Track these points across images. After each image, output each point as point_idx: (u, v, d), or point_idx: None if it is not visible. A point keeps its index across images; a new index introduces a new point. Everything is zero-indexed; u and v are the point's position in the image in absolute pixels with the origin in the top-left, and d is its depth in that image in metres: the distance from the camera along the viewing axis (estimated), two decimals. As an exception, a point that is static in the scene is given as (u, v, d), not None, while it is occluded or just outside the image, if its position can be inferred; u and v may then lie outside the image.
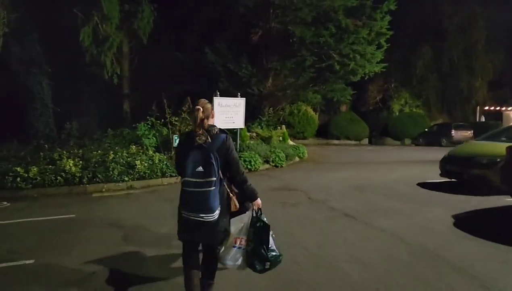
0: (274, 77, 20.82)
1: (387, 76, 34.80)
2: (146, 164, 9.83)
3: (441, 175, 9.09)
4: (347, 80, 20.86)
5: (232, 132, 12.85)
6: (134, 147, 11.10)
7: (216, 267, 3.37)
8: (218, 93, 12.40)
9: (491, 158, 7.83)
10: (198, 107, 3.15)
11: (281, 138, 15.30)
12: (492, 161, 7.78)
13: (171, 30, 21.51)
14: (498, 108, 38.80)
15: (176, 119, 11.87)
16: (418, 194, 8.38)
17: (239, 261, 3.24)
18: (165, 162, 10.17)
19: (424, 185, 9.23)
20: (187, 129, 11.99)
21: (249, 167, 11.78)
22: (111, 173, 9.26)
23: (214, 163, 2.96)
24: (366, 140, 31.43)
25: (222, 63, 19.95)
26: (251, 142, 13.76)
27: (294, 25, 18.80)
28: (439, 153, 19.66)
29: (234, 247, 3.24)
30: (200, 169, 2.95)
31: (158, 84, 17.22)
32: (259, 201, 3.28)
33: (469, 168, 8.04)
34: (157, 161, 10.09)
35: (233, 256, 3.24)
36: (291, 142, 15.89)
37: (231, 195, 3.20)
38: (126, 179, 9.39)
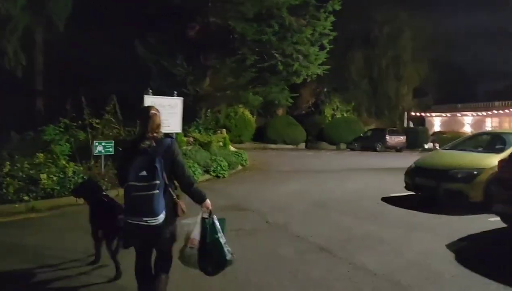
0: (213, 77, 19.10)
1: (320, 81, 35.01)
2: (55, 178, 7.65)
3: (408, 188, 8.12)
4: (289, 82, 19.79)
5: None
6: (41, 155, 8.74)
7: (171, 263, 3.30)
8: (151, 91, 10.45)
9: (468, 170, 6.96)
10: (154, 112, 3.17)
11: (221, 143, 13.68)
12: (470, 174, 6.90)
13: (97, 20, 18.86)
14: (421, 114, 40.85)
15: (97, 121, 9.76)
16: (391, 213, 7.23)
17: (192, 262, 3.23)
18: (81, 175, 8.05)
19: (391, 201, 8.15)
20: (111, 133, 10.00)
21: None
22: (4, 190, 7.00)
23: (158, 166, 2.95)
24: (303, 145, 30.90)
25: (155, 59, 17.82)
26: (189, 148, 11.98)
27: (235, 21, 17.25)
28: (382, 159, 19.16)
29: (186, 247, 3.21)
30: (144, 173, 2.93)
31: (79, 81, 14.75)
32: (208, 202, 3.22)
33: (443, 182, 7.09)
34: (70, 174, 7.93)
35: (185, 257, 3.23)
36: (232, 148, 14.28)
37: (177, 200, 3.15)
38: (26, 198, 7.16)
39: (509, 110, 32.56)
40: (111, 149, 8.94)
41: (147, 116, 3.10)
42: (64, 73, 18.68)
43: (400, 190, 9.23)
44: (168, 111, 10.62)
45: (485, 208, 6.22)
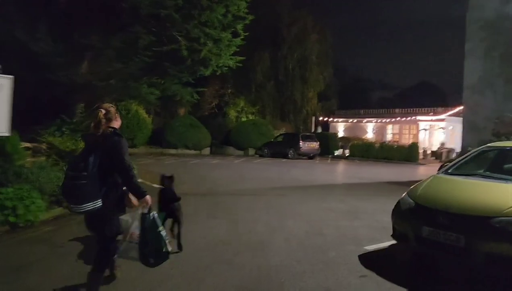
0: (93, 61, 14.35)
1: (224, 81, 32.33)
2: None
3: (399, 238, 4.90)
4: (195, 74, 15.89)
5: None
6: None
7: (104, 259, 3.43)
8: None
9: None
10: (100, 109, 3.37)
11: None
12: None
13: None
14: (326, 119, 40.25)
15: None
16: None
17: (132, 254, 3.36)
18: None
19: (376, 266, 4.83)
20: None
21: (12, 219, 5.67)
22: None
23: (91, 159, 3.15)
24: (207, 150, 27.21)
25: (6, 30, 12.51)
26: (32, 163, 7.41)
27: (123, -15, 12.88)
28: (304, 170, 16.19)
29: (125, 240, 3.37)
30: (81, 164, 3.12)
31: None
32: (147, 198, 3.32)
33: (482, 239, 3.99)
34: None
35: (126, 249, 3.40)
36: None
37: (124, 193, 3.36)
38: None
39: (408, 118, 32.99)
40: None
41: (94, 113, 3.38)
42: None
43: (372, 235, 6.08)
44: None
45: None
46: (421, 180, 5.53)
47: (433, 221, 4.45)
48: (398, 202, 5.12)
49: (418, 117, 32.33)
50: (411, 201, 4.90)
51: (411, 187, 5.32)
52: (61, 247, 5.13)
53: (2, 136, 6.69)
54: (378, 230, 6.44)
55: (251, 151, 27.37)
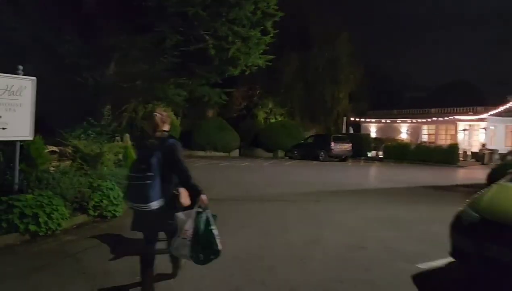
0: (119, 62, 14.14)
1: (252, 82, 31.85)
2: None
3: (460, 258, 4.17)
4: (223, 74, 15.42)
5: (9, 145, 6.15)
6: None
7: (151, 257, 3.62)
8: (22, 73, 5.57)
9: None
10: (155, 113, 3.59)
11: (120, 156, 8.85)
12: None
13: None
14: (358, 119, 39.09)
15: None
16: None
17: (184, 251, 3.44)
18: None
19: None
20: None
21: (32, 227, 5.30)
22: None
23: (154, 161, 3.35)
24: (236, 152, 26.75)
25: (32, 32, 12.44)
26: (57, 167, 7.09)
27: (149, -16, 12.55)
28: (340, 173, 15.38)
29: (179, 237, 3.44)
30: (143, 166, 3.35)
31: None
32: (203, 196, 3.47)
33: None
34: None
35: (178, 246, 3.46)
36: None
37: (178, 192, 3.52)
38: None
39: (445, 118, 31.38)
40: None
41: (149, 116, 3.64)
42: None
43: (421, 250, 5.37)
44: (4, 101, 5.77)
45: None
46: (464, 184, 4.82)
47: (504, 239, 3.72)
48: (459, 216, 4.38)
49: (457, 117, 30.66)
50: (474, 214, 4.17)
51: (472, 197, 4.57)
52: (81, 260, 4.70)
53: (25, 140, 6.38)
54: (426, 243, 5.72)
55: (281, 153, 26.72)
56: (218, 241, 3.45)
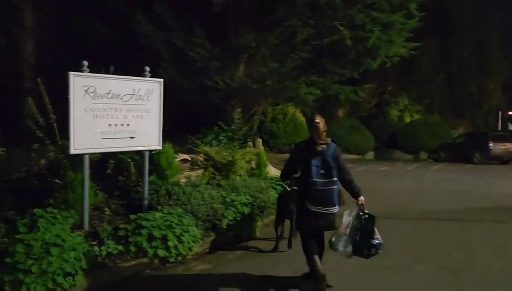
0: (248, 62, 13.49)
1: (384, 77, 28.99)
2: None
3: None
4: (360, 67, 13.66)
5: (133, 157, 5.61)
6: None
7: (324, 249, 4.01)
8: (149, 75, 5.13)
9: None
10: (318, 121, 3.83)
11: (253, 164, 7.86)
12: None
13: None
14: (514, 113, 33.39)
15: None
16: None
17: (348, 248, 3.79)
18: None
19: None
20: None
21: (162, 252, 4.53)
22: None
23: (332, 166, 3.75)
24: (371, 154, 24.47)
25: (164, 37, 12.51)
26: (188, 176, 6.39)
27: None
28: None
29: (345, 235, 3.79)
30: (323, 171, 3.73)
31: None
32: (362, 198, 3.88)
33: None
34: None
35: (343, 243, 3.79)
36: (273, 172, 8.21)
37: (341, 192, 3.92)
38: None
39: None
40: None
41: (312, 125, 3.90)
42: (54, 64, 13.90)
43: None
44: (131, 108, 5.15)
45: None
46: None
47: None
48: None
49: None
50: None
51: None
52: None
53: (156, 149, 5.77)
54: None
55: (423, 155, 23.59)
56: (378, 236, 3.79)
